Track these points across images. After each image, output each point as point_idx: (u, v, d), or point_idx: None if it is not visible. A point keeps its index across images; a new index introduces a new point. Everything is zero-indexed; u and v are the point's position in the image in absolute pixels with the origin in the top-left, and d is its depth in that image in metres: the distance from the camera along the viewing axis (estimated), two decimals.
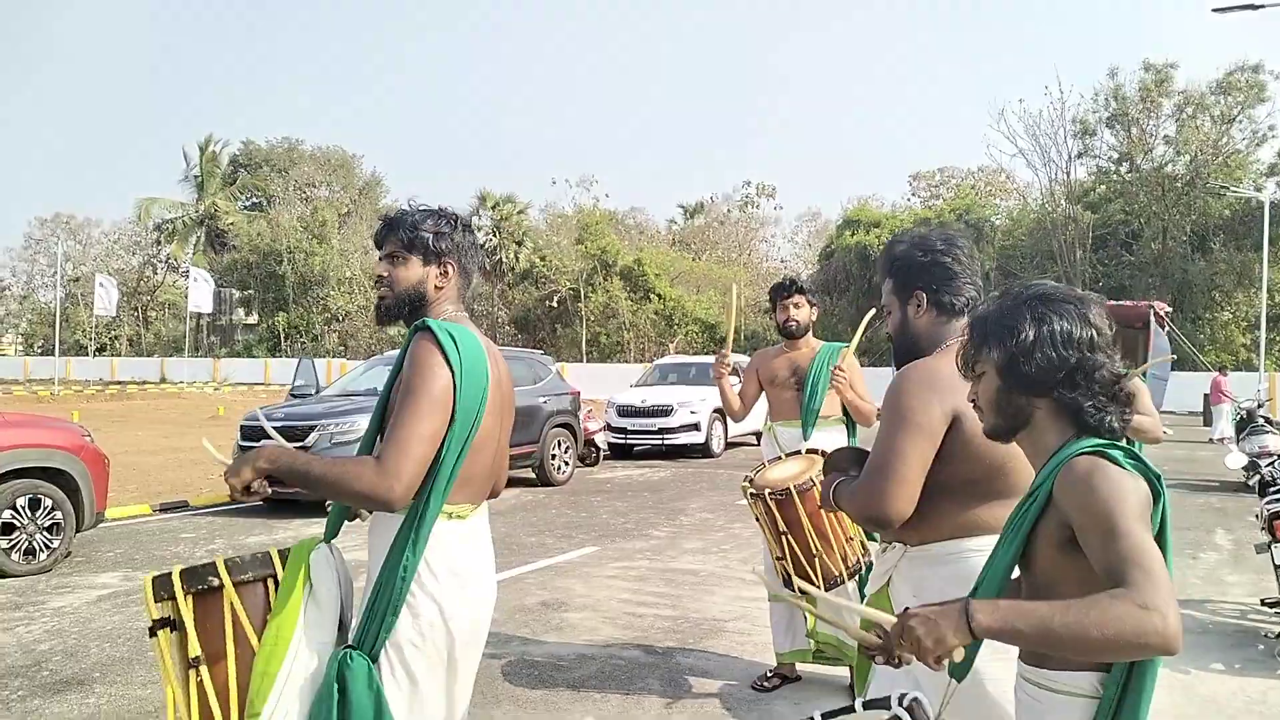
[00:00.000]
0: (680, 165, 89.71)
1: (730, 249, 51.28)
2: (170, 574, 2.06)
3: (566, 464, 12.41)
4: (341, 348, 44.96)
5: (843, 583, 4.30)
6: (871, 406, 4.73)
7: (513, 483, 12.12)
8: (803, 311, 4.73)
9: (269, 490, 2.21)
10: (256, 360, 44.35)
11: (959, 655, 1.57)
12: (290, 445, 2.27)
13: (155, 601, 2.06)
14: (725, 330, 4.62)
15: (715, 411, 15.84)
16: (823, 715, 1.69)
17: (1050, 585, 1.67)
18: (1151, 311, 24.96)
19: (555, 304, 40.45)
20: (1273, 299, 32.68)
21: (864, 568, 4.15)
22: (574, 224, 42.90)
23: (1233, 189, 31.32)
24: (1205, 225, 33.44)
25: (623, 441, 15.60)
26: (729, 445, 16.54)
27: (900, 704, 1.60)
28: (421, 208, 2.36)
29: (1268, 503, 5.14)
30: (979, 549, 2.14)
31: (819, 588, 4.08)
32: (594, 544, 8.22)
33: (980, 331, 1.79)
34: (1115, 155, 36.37)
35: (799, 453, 4.38)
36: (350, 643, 2.11)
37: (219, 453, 2.50)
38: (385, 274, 2.33)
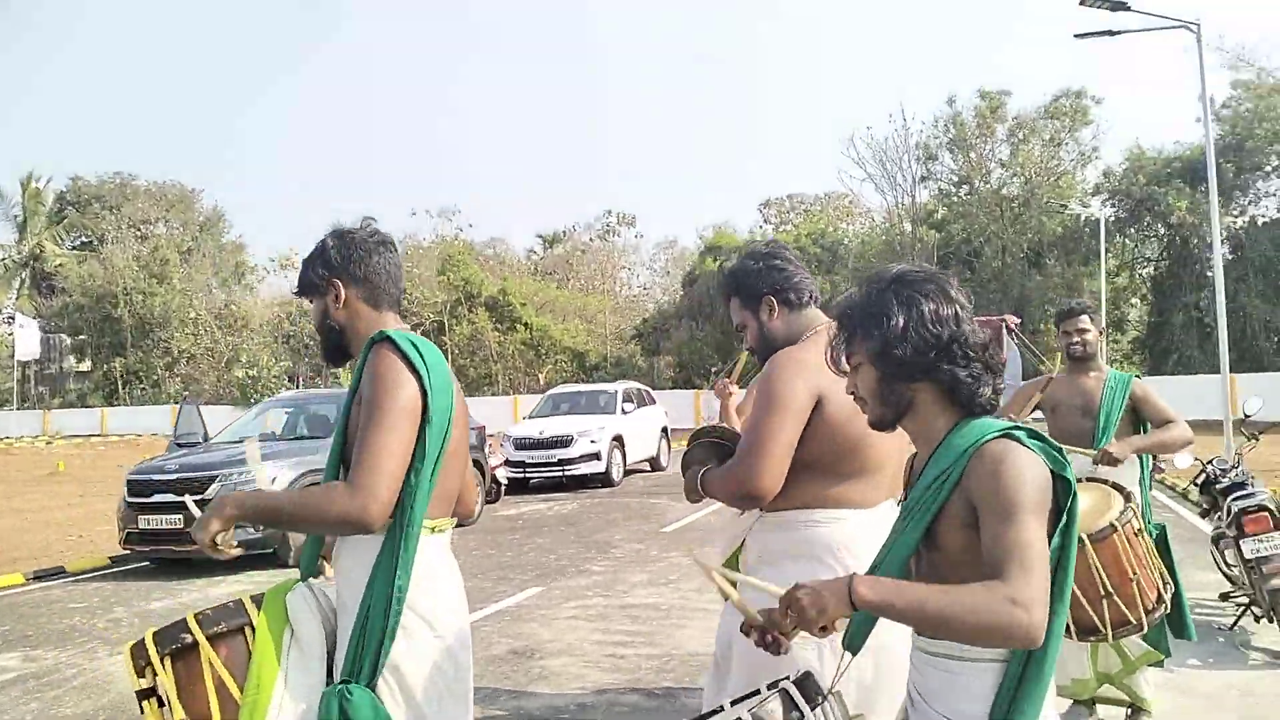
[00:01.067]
0: (536, 195, 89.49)
1: (592, 277, 51.41)
2: (144, 639, 1.96)
3: (476, 502, 11.91)
4: (185, 392, 42.32)
5: (1141, 628, 3.42)
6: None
7: None
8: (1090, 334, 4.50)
9: (235, 543, 2.11)
10: (92, 410, 41.19)
11: (840, 625, 1.65)
12: (257, 486, 2.33)
13: (137, 674, 1.96)
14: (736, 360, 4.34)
15: (614, 440, 15.67)
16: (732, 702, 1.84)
17: (954, 565, 1.67)
18: (1004, 325, 26.62)
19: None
20: (1112, 308, 35.16)
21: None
22: (435, 255, 41.98)
23: (1065, 207, 33.67)
24: (1040, 242, 35.71)
25: (521, 475, 15.21)
26: (626, 472, 16.38)
27: (772, 688, 1.75)
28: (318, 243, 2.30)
29: (1234, 499, 5.36)
30: (824, 520, 2.39)
31: (1105, 634, 3.35)
32: (535, 584, 7.87)
33: (849, 324, 1.80)
34: (955, 178, 38.49)
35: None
36: (343, 676, 2.00)
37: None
38: (315, 321, 2.32)
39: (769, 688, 1.80)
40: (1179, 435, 4.31)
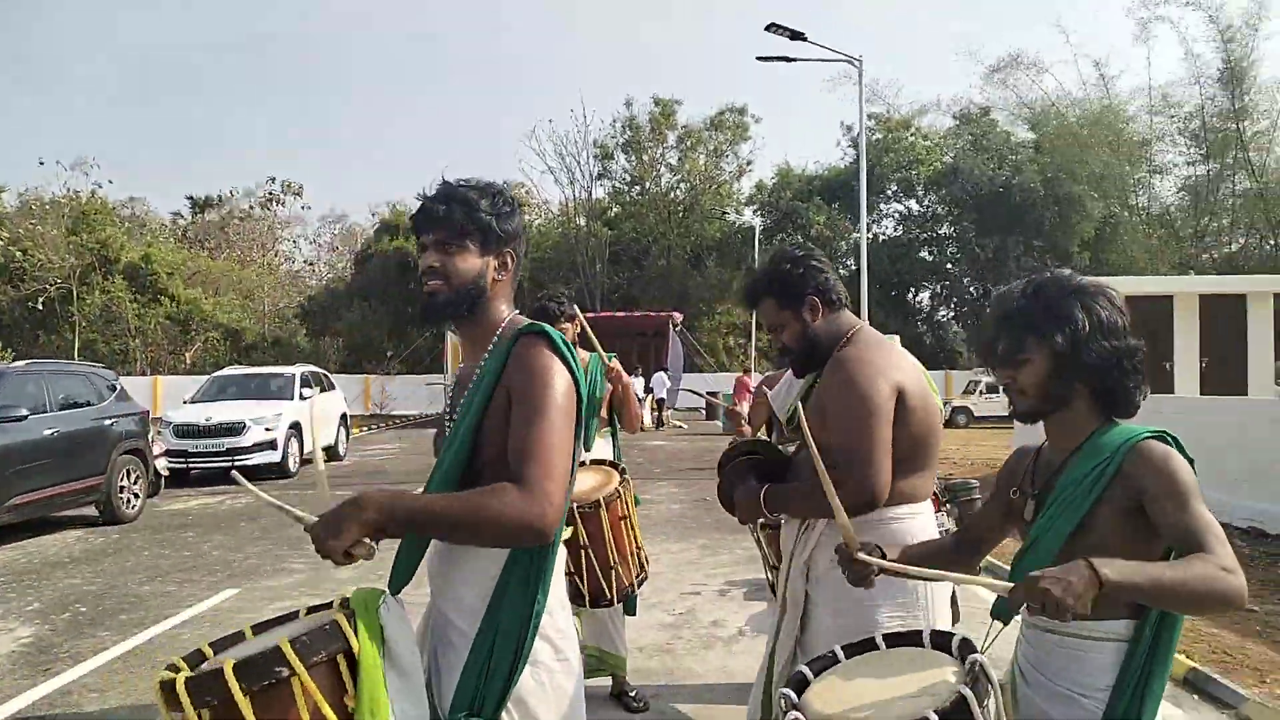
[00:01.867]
0: (183, 155, 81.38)
1: (250, 249, 47.79)
2: (217, 671, 1.57)
3: (137, 496, 10.63)
4: None
5: (633, 594, 4.35)
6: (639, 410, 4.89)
7: (68, 523, 10.15)
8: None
9: (374, 551, 1.75)
10: None
11: (1088, 608, 1.64)
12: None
13: (195, 709, 1.57)
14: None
15: (291, 427, 14.70)
16: (885, 637, 1.93)
17: (1106, 549, 1.76)
18: (670, 321, 28.33)
19: (39, 305, 34.34)
20: (730, 312, 38.36)
21: (643, 579, 4.22)
22: (65, 213, 36.80)
23: (725, 214, 36.41)
24: (700, 245, 38.40)
25: (182, 466, 13.80)
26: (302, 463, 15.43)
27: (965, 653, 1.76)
28: (471, 184, 1.99)
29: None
30: (904, 516, 2.47)
31: (612, 601, 4.07)
32: (229, 585, 7.20)
33: (1022, 322, 1.91)
34: (629, 178, 40.31)
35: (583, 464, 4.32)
36: (461, 711, 1.79)
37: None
38: (437, 264, 1.95)
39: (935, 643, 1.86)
40: None
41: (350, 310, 37.65)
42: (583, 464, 4.32)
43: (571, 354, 1.91)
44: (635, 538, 4.17)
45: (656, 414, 24.96)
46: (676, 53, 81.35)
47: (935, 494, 5.44)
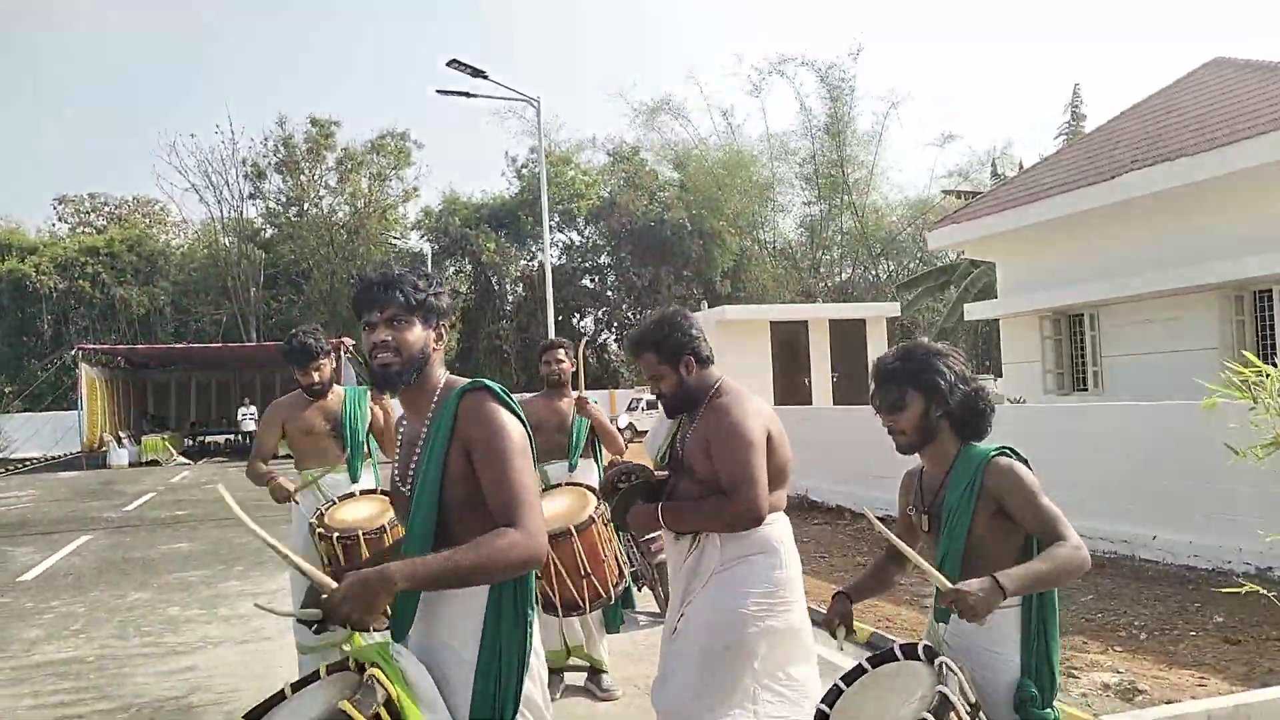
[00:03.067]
0: None
1: None
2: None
3: None
4: None
5: (615, 604, 4.72)
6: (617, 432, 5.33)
7: None
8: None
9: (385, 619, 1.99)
10: None
11: (992, 611, 2.18)
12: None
13: None
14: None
15: None
16: (869, 661, 2.43)
17: (983, 541, 2.40)
18: (341, 345, 27.53)
19: None
20: None
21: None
22: None
23: (400, 238, 35.91)
24: (366, 268, 37.58)
25: None
26: None
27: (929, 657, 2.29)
28: (409, 270, 2.27)
29: None
30: (770, 522, 3.08)
31: (585, 609, 4.37)
32: None
33: (900, 380, 2.48)
34: (284, 199, 38.47)
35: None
36: (482, 717, 2.04)
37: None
38: (389, 338, 2.17)
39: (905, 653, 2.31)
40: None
41: None
42: (557, 486, 4.70)
43: (511, 399, 2.20)
44: (615, 551, 4.45)
45: None
46: (329, 73, 78.59)
47: None
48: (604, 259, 41.05)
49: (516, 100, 15.80)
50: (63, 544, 11.11)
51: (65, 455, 27.62)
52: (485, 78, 14.71)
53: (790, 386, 15.86)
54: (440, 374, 2.27)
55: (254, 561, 9.47)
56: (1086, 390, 13.45)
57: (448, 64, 14.47)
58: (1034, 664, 2.39)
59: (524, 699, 2.10)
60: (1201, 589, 6.59)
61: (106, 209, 45.73)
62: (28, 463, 26.29)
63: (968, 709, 2.15)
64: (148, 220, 44.14)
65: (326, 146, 37.36)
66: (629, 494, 3.20)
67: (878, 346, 16.28)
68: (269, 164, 37.62)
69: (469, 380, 2.22)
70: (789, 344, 16.10)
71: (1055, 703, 2.42)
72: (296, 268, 37.51)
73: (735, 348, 15.36)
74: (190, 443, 28.16)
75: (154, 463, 24.57)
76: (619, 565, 4.50)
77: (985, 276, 21.13)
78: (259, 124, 64.54)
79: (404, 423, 2.34)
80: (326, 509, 4.31)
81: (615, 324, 40.71)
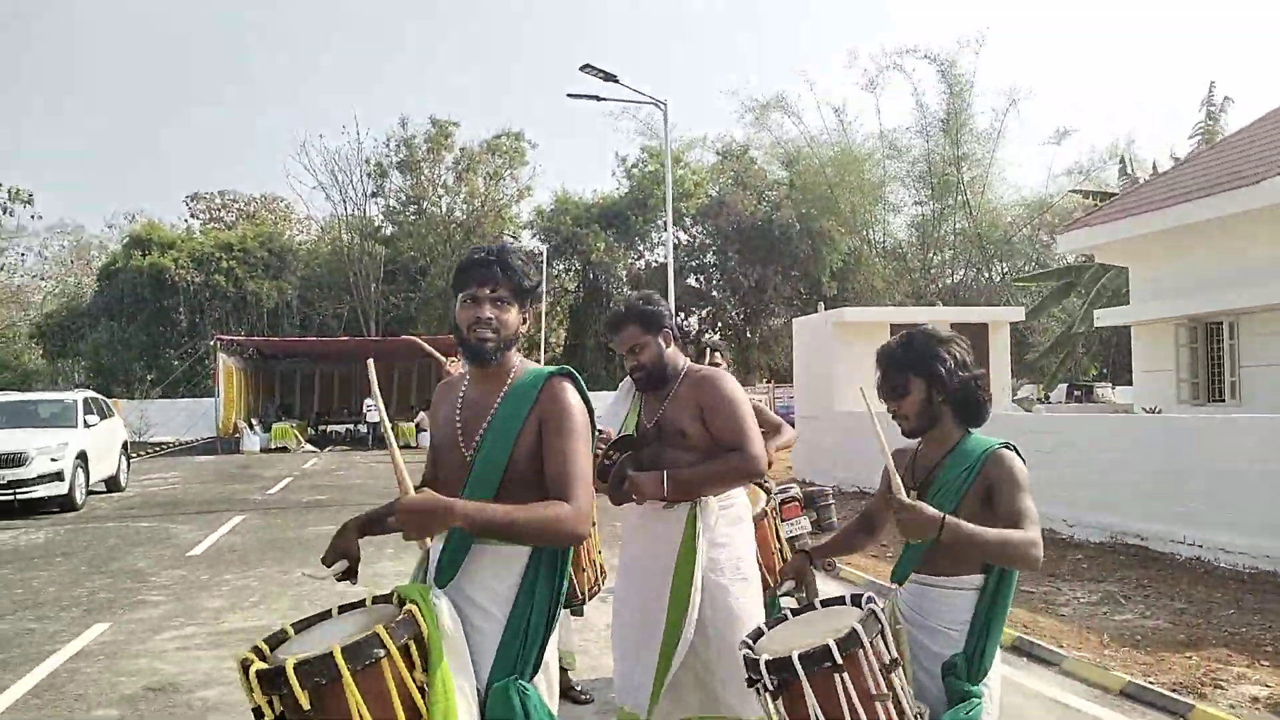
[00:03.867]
0: None
1: None
2: (327, 655, 1.92)
3: None
4: None
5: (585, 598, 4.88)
6: None
7: None
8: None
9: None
10: None
11: (925, 535, 2.32)
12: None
13: (302, 688, 1.91)
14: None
15: (78, 457, 13.74)
16: (820, 602, 2.61)
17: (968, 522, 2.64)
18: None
19: None
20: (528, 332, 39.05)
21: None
22: None
23: (516, 237, 36.78)
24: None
25: None
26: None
27: (862, 604, 2.41)
28: (519, 250, 2.46)
29: (777, 493, 6.99)
30: (737, 494, 3.52)
31: (583, 601, 4.68)
32: (96, 620, 6.94)
33: (903, 366, 2.62)
34: (405, 197, 39.79)
35: None
36: (504, 675, 2.20)
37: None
38: (492, 317, 2.34)
39: (853, 601, 2.49)
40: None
41: (95, 330, 34.69)
42: None
43: (585, 391, 2.39)
44: (593, 546, 4.74)
45: None
46: (448, 73, 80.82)
47: (798, 501, 6.40)
48: (710, 258, 41.21)
49: (644, 103, 16.16)
50: (219, 523, 11.90)
51: (199, 440, 29.26)
52: (616, 81, 15.10)
53: None
54: (516, 355, 2.44)
55: (402, 544, 10.01)
56: (1223, 401, 13.04)
57: (581, 68, 14.91)
58: (974, 642, 2.51)
59: (543, 664, 2.27)
60: None
61: (236, 205, 48.08)
62: (164, 446, 27.97)
63: (884, 659, 2.27)
64: (274, 217, 46.24)
65: (445, 146, 38.46)
66: (622, 467, 3.34)
67: (1000, 351, 16.05)
68: (391, 163, 38.96)
69: (556, 366, 2.43)
70: None
71: (985, 684, 2.50)
72: (415, 265, 38.73)
73: (853, 350, 15.35)
74: (314, 431, 29.44)
75: (283, 449, 25.82)
76: (598, 561, 4.81)
77: (1115, 281, 20.55)
78: (383, 124, 67.09)
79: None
80: None
81: (720, 323, 40.83)
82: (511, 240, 36.81)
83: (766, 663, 2.26)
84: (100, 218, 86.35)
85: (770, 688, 2.26)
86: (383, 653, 1.98)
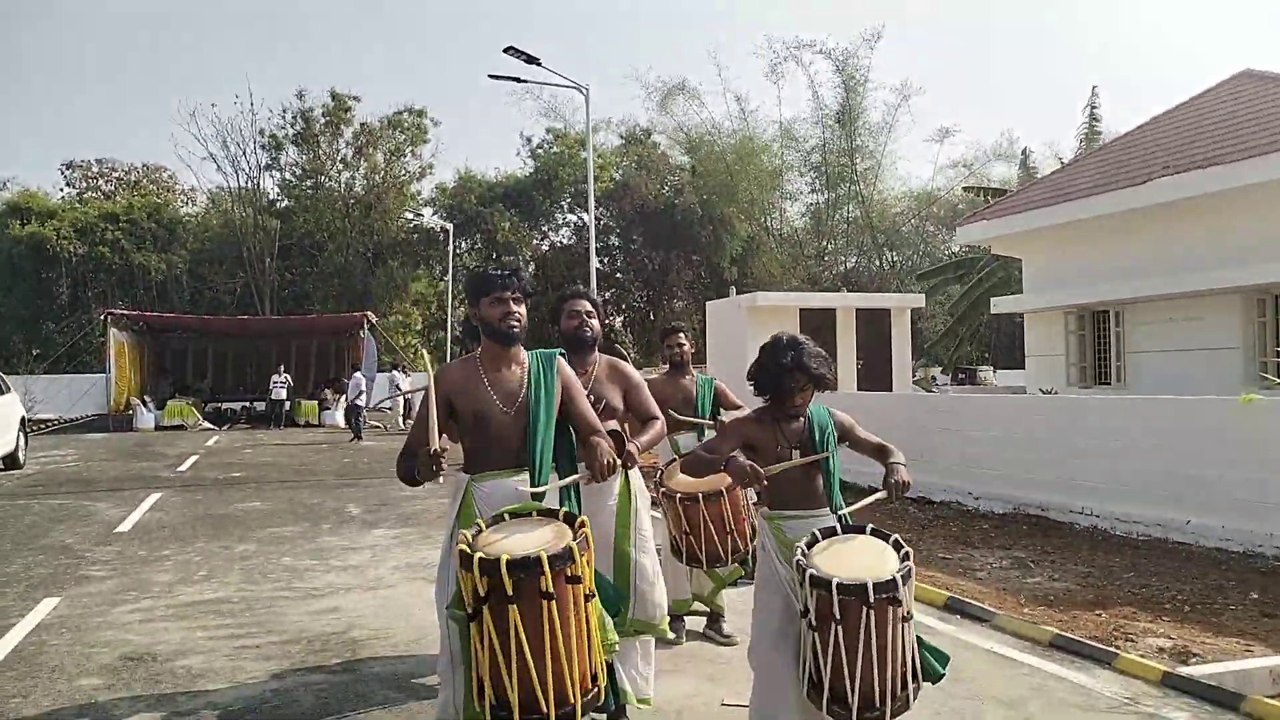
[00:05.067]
0: None
1: None
2: (568, 549, 2.83)
3: None
4: None
5: (747, 553, 5.21)
6: None
7: None
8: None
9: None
10: None
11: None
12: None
13: (508, 575, 2.74)
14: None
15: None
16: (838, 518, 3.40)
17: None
18: (365, 320, 28.00)
19: None
20: (428, 309, 38.63)
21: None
22: None
23: (418, 215, 36.25)
24: (382, 244, 37.95)
25: None
26: None
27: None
28: (518, 265, 3.61)
29: None
30: None
31: (726, 561, 5.19)
32: (46, 595, 6.84)
33: (819, 366, 3.48)
34: (301, 171, 38.74)
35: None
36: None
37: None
38: (519, 313, 3.46)
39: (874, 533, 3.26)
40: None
41: None
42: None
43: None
44: (751, 512, 5.15)
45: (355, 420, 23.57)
46: (348, 48, 78.46)
47: None
48: (614, 240, 41.53)
49: (568, 87, 16.34)
50: (137, 500, 11.65)
51: (85, 417, 28.05)
52: (539, 64, 15.20)
53: None
54: (520, 349, 3.57)
55: (339, 520, 10.06)
56: (1109, 384, 14.12)
57: (504, 50, 14.96)
58: None
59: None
60: (1235, 569, 7.22)
61: (115, 175, 45.88)
62: (51, 423, 26.71)
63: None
64: (158, 188, 44.35)
65: (344, 121, 37.63)
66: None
67: (901, 335, 16.93)
68: (287, 136, 37.88)
69: (556, 349, 3.66)
70: (817, 331, 16.67)
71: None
72: (311, 240, 37.86)
73: (765, 333, 15.83)
74: (209, 409, 28.57)
75: (179, 427, 25.04)
76: (752, 525, 5.14)
77: (1002, 270, 21.78)
78: (279, 96, 64.95)
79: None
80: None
81: (624, 305, 41.23)
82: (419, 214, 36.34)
83: (839, 584, 2.85)
84: None
85: (836, 611, 2.86)
86: (571, 562, 2.79)
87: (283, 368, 26.55)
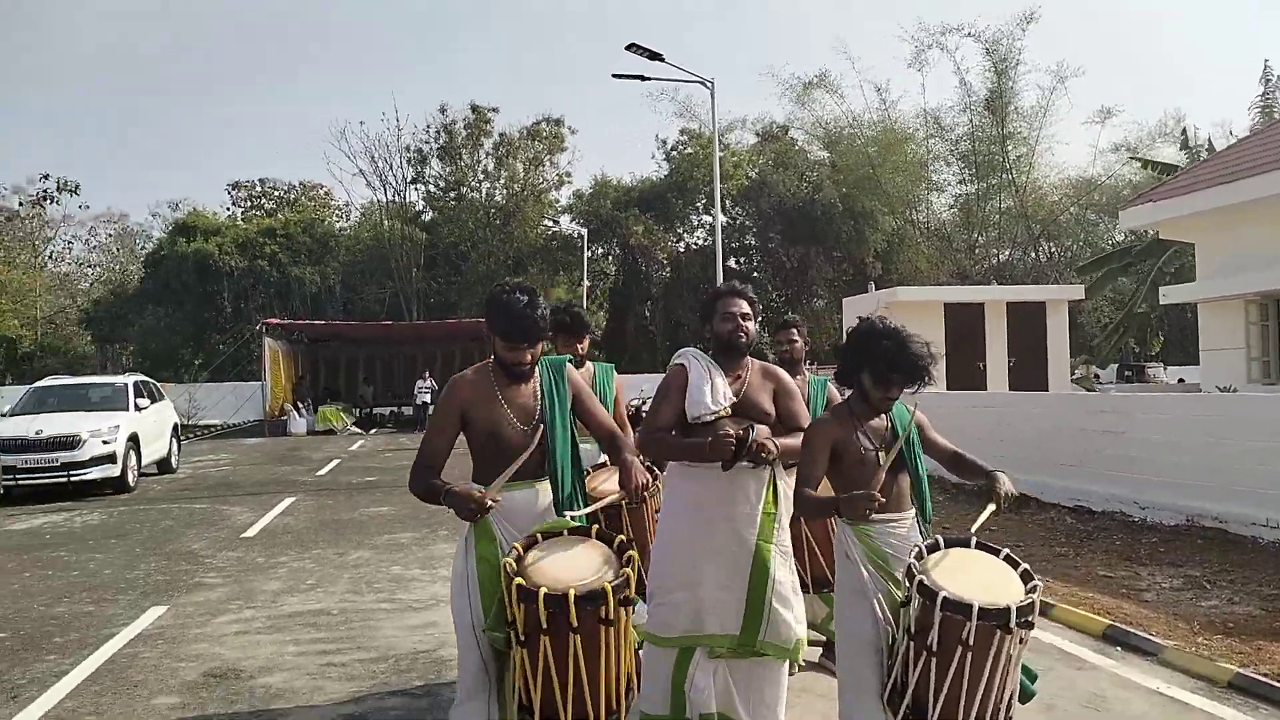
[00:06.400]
0: None
1: (17, 249, 43.45)
2: (600, 590, 2.89)
3: None
4: None
5: None
6: None
7: None
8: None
9: None
10: None
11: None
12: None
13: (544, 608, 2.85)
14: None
15: (130, 440, 13.80)
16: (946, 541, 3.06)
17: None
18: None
19: None
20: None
21: None
22: None
23: (556, 222, 36.66)
24: (521, 251, 38.52)
25: (10, 482, 12.68)
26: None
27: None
28: (542, 312, 3.41)
29: None
30: None
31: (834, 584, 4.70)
32: (153, 603, 6.89)
33: (924, 356, 3.23)
34: (445, 183, 39.77)
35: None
36: None
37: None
38: (530, 358, 3.45)
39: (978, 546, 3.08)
40: None
41: (142, 316, 35.06)
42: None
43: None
44: None
45: None
46: (489, 60, 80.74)
47: None
48: (751, 240, 40.80)
49: (691, 82, 15.88)
50: (271, 504, 11.88)
51: (245, 423, 29.52)
52: (662, 60, 14.82)
53: (963, 371, 15.41)
54: None
55: (455, 526, 9.90)
56: None
57: (626, 48, 14.66)
58: None
59: None
60: None
61: (276, 193, 48.44)
62: (212, 429, 28.24)
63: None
64: (314, 204, 46.52)
65: (485, 132, 38.36)
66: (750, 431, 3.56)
67: (1058, 330, 15.65)
68: (431, 150, 38.96)
69: (564, 357, 3.76)
70: (963, 327, 15.63)
71: None
72: (455, 250, 38.78)
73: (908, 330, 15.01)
74: (359, 414, 29.56)
75: (329, 431, 25.95)
76: None
77: (1177, 258, 19.95)
78: (422, 111, 67.53)
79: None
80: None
81: (762, 305, 40.35)
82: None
83: (945, 599, 2.70)
84: (145, 206, 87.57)
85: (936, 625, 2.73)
86: (603, 603, 2.83)
87: (428, 373, 27.14)
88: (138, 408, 14.62)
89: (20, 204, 42.69)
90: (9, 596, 7.25)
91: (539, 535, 3.08)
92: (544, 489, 3.46)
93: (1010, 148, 36.40)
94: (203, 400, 30.24)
